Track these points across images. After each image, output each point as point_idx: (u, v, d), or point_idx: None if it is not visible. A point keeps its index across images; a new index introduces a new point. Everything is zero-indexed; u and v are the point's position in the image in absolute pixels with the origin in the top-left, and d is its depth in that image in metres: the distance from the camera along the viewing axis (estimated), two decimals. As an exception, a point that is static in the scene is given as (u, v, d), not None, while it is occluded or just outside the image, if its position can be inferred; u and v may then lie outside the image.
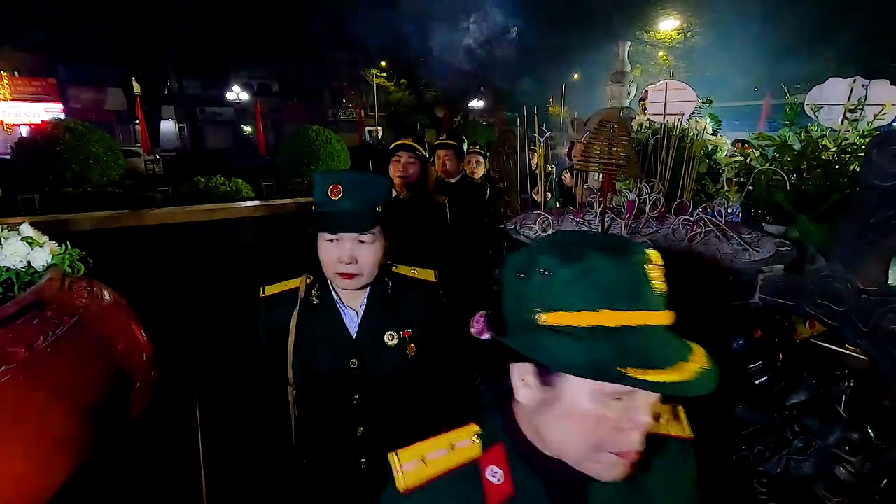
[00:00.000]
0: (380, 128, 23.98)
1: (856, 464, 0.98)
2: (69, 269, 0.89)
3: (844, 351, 1.78)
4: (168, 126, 22.55)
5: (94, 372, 0.79)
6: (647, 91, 2.51)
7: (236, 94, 22.89)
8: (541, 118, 2.01)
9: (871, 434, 0.99)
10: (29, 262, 0.84)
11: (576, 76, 18.19)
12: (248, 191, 5.93)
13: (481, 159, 3.32)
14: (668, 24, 15.05)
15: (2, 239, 0.83)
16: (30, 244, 0.85)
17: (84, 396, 0.75)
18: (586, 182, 1.68)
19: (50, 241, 0.90)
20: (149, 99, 18.10)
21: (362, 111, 20.08)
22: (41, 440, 0.68)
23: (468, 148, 3.34)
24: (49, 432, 0.69)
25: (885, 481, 0.92)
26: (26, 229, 0.88)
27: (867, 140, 1.73)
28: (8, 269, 0.82)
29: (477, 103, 23.01)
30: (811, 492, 1.04)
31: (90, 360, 0.79)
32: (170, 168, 15.21)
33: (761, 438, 1.07)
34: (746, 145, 2.27)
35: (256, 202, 5.36)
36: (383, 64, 21.99)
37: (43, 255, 0.86)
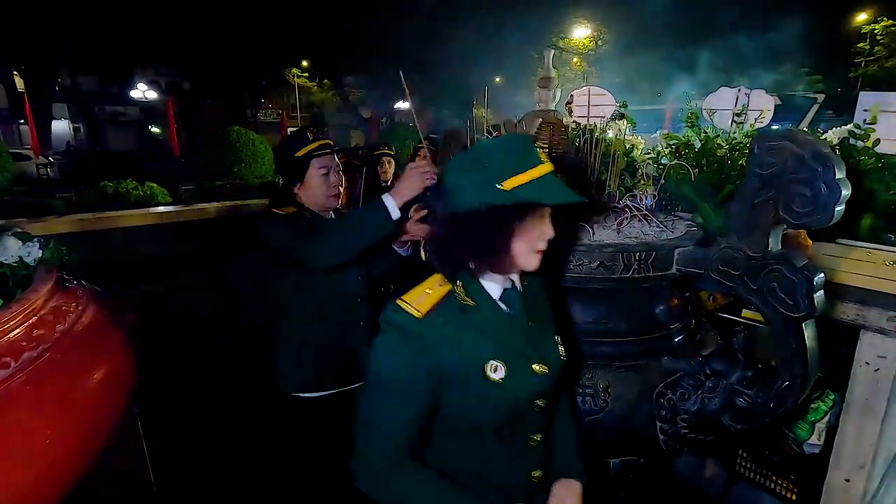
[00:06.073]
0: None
1: (751, 395, 1.23)
2: (60, 263, 0.91)
3: (739, 319, 2.19)
4: (61, 126, 20.36)
5: (111, 345, 0.83)
6: (572, 95, 2.77)
7: (142, 91, 21.11)
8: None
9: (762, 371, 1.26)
10: (21, 258, 0.85)
11: (497, 80, 18.86)
12: (164, 195, 5.55)
13: (392, 160, 3.46)
14: (580, 32, 16.09)
15: (-5, 236, 0.83)
16: (21, 241, 0.86)
17: (109, 366, 0.78)
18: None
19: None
20: (37, 96, 16.22)
21: (285, 112, 19.40)
22: (81, 403, 0.72)
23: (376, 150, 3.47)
24: (88, 396, 0.74)
25: (771, 405, 1.18)
26: (14, 227, 0.88)
27: (750, 139, 2.10)
28: (1, 264, 0.82)
29: (403, 105, 23.08)
30: (720, 423, 1.29)
31: (106, 337, 0.83)
32: (66, 172, 13.85)
33: (682, 383, 1.31)
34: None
35: (177, 207, 5.06)
36: (304, 63, 21.36)
37: (34, 250, 0.87)
